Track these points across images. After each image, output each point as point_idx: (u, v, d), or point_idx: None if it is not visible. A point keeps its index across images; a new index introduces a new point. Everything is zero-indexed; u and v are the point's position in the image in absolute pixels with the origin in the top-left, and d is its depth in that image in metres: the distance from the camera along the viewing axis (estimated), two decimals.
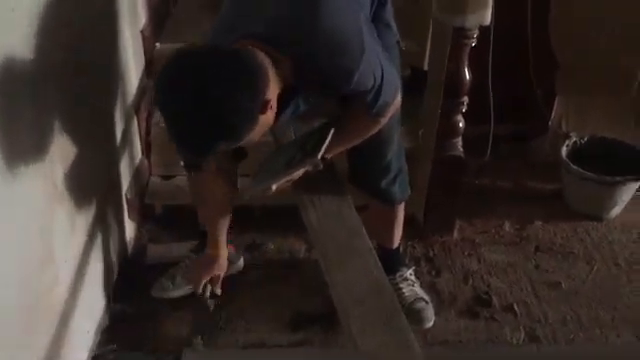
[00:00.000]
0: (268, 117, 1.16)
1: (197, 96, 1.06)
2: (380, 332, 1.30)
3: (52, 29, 1.28)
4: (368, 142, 1.46)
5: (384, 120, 1.38)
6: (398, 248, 1.80)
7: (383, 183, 1.60)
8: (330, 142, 1.38)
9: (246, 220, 1.98)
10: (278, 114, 1.23)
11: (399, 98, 1.38)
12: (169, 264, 1.84)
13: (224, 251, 1.59)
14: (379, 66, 1.27)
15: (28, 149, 1.22)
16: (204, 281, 1.57)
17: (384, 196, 1.63)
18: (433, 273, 1.90)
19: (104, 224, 1.68)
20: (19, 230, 1.18)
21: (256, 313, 1.74)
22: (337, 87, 1.25)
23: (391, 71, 1.33)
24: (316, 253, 1.95)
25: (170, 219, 2.03)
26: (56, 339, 1.34)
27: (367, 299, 1.36)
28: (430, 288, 1.82)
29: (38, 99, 1.24)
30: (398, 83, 1.36)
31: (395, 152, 1.58)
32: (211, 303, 1.63)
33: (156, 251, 1.92)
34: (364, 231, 1.53)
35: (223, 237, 1.59)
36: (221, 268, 1.59)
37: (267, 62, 1.14)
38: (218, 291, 1.59)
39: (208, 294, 1.58)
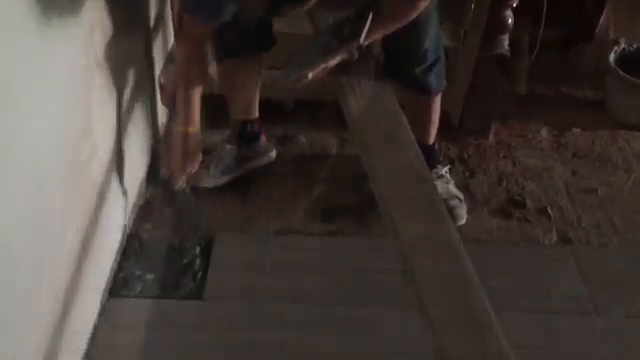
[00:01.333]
0: None
1: None
2: (421, 220, 1.30)
3: None
4: (405, 29, 1.40)
5: (423, 4, 1.32)
6: (434, 145, 1.77)
7: (418, 71, 1.55)
8: (368, 28, 1.33)
9: (278, 113, 1.95)
10: None
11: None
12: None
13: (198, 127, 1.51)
14: None
15: (69, 17, 1.17)
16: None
17: (419, 85, 1.58)
18: (467, 174, 1.88)
19: (139, 104, 1.65)
20: (60, 98, 1.15)
21: (288, 202, 1.74)
22: None
23: None
24: (349, 148, 1.94)
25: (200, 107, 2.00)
26: (94, 212, 1.35)
27: (408, 187, 1.35)
28: (463, 188, 1.80)
29: None
30: None
31: (432, 41, 1.52)
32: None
33: None
34: (405, 120, 1.50)
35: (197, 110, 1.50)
36: (197, 147, 1.49)
37: None
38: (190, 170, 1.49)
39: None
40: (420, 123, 1.68)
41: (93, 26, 1.28)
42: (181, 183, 1.54)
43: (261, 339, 1.40)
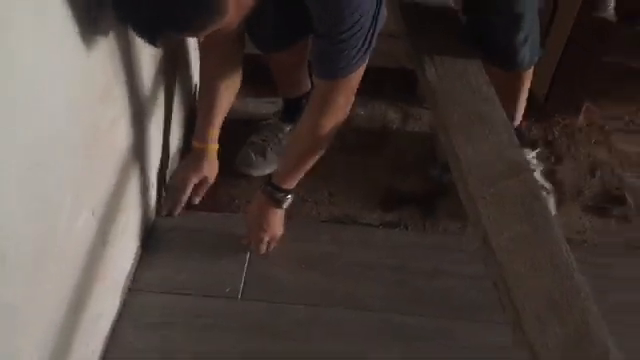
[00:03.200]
0: None
1: None
2: (515, 220, 1.04)
3: None
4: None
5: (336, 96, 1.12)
6: (521, 125, 1.50)
7: (511, 41, 1.29)
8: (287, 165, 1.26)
9: None
10: None
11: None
12: (243, 122, 1.60)
13: (214, 146, 1.37)
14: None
15: None
16: (190, 187, 1.36)
17: (510, 58, 1.32)
18: (553, 160, 1.59)
19: (171, 64, 1.41)
20: (83, 57, 0.92)
21: (341, 186, 1.49)
22: None
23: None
24: (414, 124, 1.68)
25: (244, 70, 1.75)
26: (116, 192, 1.12)
27: (501, 179, 1.09)
28: (549, 177, 1.53)
29: None
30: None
31: (528, 6, 1.25)
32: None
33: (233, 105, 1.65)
34: (496, 96, 1.23)
35: (216, 125, 1.35)
36: (211, 170, 1.37)
37: None
38: (196, 200, 1.38)
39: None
40: (507, 101, 1.39)
41: None
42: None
43: (300, 349, 1.17)
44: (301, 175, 1.25)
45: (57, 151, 0.88)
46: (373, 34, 1.07)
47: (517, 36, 1.28)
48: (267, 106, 1.66)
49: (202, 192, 1.39)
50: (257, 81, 1.64)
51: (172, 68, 1.42)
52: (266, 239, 1.30)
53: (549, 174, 1.55)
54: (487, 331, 1.19)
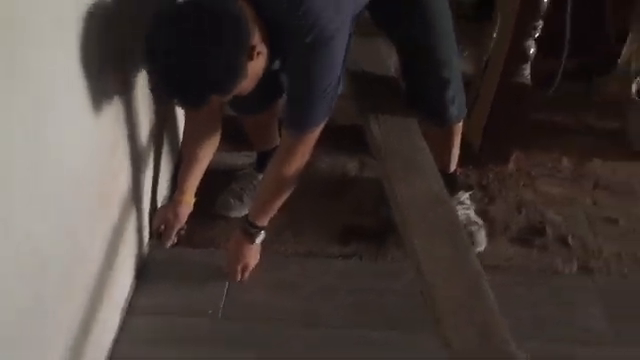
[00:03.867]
0: (258, 65, 1.20)
1: (181, 50, 1.09)
2: (441, 244, 1.30)
3: None
4: (424, 58, 1.46)
5: (308, 137, 1.37)
6: (455, 171, 1.78)
7: (441, 101, 1.56)
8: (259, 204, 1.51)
9: None
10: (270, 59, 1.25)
11: (310, 146, 1.39)
12: (221, 172, 1.86)
13: (190, 198, 1.58)
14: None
15: (105, 49, 1.22)
16: (160, 227, 1.58)
17: (441, 115, 1.59)
18: (486, 200, 1.88)
19: (162, 127, 1.68)
20: (94, 118, 1.19)
21: (307, 225, 1.75)
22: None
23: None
24: (369, 171, 1.96)
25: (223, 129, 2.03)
26: (121, 219, 1.38)
27: (429, 211, 1.36)
28: (483, 215, 1.80)
29: None
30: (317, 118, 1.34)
31: (453, 70, 1.54)
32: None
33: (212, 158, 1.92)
34: (427, 147, 1.51)
35: (193, 181, 1.59)
36: (179, 218, 1.57)
37: (246, 9, 1.16)
38: (166, 244, 1.58)
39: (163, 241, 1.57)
40: (442, 151, 1.69)
41: (124, 52, 1.33)
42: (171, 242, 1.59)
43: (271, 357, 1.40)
44: (272, 213, 1.50)
45: (77, 191, 1.13)
46: (333, 99, 1.32)
47: (445, 96, 1.55)
48: (243, 158, 1.93)
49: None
50: (233, 138, 1.93)
51: (162, 130, 1.68)
52: (240, 268, 1.53)
53: (483, 213, 1.82)
54: (424, 339, 1.43)
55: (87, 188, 1.18)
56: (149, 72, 1.19)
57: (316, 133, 1.38)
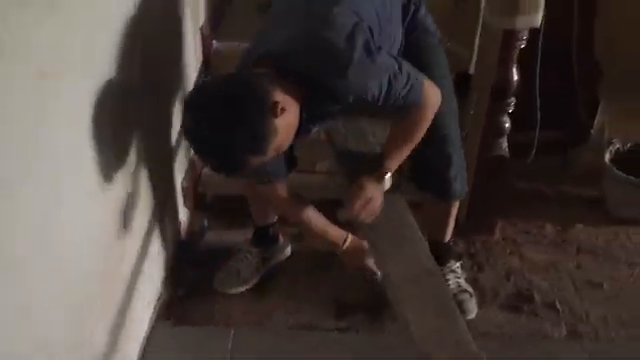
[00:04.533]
0: (287, 120, 1.24)
1: (212, 122, 1.18)
2: (431, 314, 1.37)
3: (128, 36, 1.38)
4: (427, 138, 1.50)
5: (432, 100, 1.43)
6: (449, 242, 1.85)
7: (445, 178, 1.62)
8: (390, 153, 1.51)
9: None
10: (302, 117, 1.29)
11: (437, 97, 1.43)
12: (219, 251, 1.93)
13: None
14: (387, 75, 1.31)
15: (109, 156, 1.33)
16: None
17: (445, 191, 1.65)
18: (475, 269, 1.95)
19: (164, 207, 1.77)
20: (98, 210, 1.27)
21: (302, 299, 1.81)
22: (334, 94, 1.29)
23: (413, 75, 1.37)
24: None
25: (219, 208, 2.12)
26: (123, 304, 1.43)
27: (418, 284, 1.42)
28: (472, 283, 1.86)
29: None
30: (420, 84, 1.38)
31: (456, 148, 1.61)
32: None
33: (210, 236, 2.00)
34: (414, 221, 1.60)
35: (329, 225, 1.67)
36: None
37: (271, 80, 1.23)
38: None
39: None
40: (439, 224, 1.78)
41: (129, 151, 1.43)
42: None
43: None
44: (401, 159, 1.52)
45: (85, 275, 1.20)
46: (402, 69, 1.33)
47: (449, 173, 1.61)
48: (237, 236, 2.00)
49: None
50: (230, 216, 2.03)
51: (163, 214, 1.77)
52: (365, 203, 1.49)
53: (473, 281, 1.89)
54: None
55: (92, 270, 1.25)
56: (188, 139, 1.28)
57: (431, 89, 1.41)
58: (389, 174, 1.53)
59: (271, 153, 1.24)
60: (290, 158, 1.60)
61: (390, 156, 1.52)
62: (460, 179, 1.65)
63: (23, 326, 0.98)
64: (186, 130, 1.24)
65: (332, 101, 1.32)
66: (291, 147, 1.44)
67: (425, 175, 1.63)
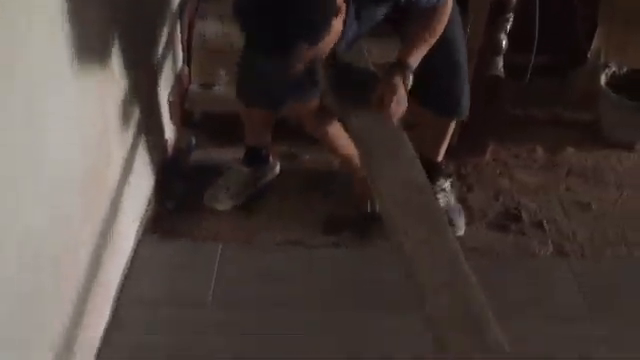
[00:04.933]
0: (338, 24, 1.22)
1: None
2: (422, 228, 1.36)
3: None
4: (437, 45, 1.48)
5: (445, 15, 1.42)
6: (441, 162, 1.84)
7: (454, 87, 1.60)
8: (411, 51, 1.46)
9: (282, 131, 2.02)
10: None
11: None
12: (208, 168, 1.91)
13: None
14: None
15: (94, 44, 1.27)
16: None
17: (455, 105, 1.64)
18: (464, 189, 1.95)
19: (149, 120, 1.72)
20: (80, 105, 1.23)
21: (291, 216, 1.80)
22: None
23: None
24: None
25: (207, 126, 2.08)
26: (108, 217, 1.41)
27: (410, 199, 1.41)
28: (461, 202, 1.86)
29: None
30: None
31: (463, 59, 1.59)
32: None
33: (198, 155, 1.97)
34: (406, 137, 1.57)
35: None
36: None
37: None
38: None
39: None
40: (434, 142, 1.76)
41: (111, 49, 1.37)
42: None
43: (265, 344, 1.44)
44: (422, 54, 1.47)
45: (69, 175, 1.17)
46: None
47: (456, 84, 1.59)
48: (226, 154, 1.98)
49: None
50: (221, 134, 1.99)
51: (148, 128, 1.72)
52: (400, 101, 1.47)
53: (462, 201, 1.89)
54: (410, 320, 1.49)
55: (74, 174, 1.22)
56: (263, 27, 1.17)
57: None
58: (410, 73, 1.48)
59: (314, 53, 1.20)
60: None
61: (411, 54, 1.47)
62: (465, 95, 1.63)
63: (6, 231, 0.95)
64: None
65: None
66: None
67: (430, 87, 1.58)
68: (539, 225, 1.82)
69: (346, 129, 1.66)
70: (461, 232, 1.75)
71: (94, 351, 1.37)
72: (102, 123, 1.35)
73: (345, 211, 1.83)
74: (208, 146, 2.02)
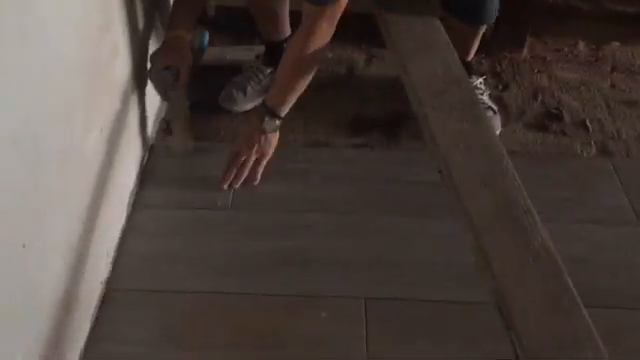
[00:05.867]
0: None
1: None
2: (458, 120, 1.24)
3: None
4: None
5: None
6: (471, 61, 1.69)
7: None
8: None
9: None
10: None
11: None
12: (223, 67, 1.78)
13: (184, 33, 1.44)
14: None
15: None
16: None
17: (480, 12, 1.50)
18: (500, 87, 1.80)
19: (155, 10, 1.58)
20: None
21: (314, 117, 1.68)
22: None
23: None
24: (377, 67, 1.87)
25: (223, 22, 1.93)
26: (118, 116, 1.30)
27: (445, 90, 1.28)
28: (497, 101, 1.73)
29: None
30: None
31: None
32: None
33: (211, 53, 1.83)
34: (441, 25, 1.42)
35: (186, 14, 1.47)
36: (182, 56, 1.43)
37: None
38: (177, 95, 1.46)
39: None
40: (465, 45, 1.60)
41: None
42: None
43: (286, 245, 1.36)
44: (291, 98, 1.40)
45: (64, 71, 1.04)
46: None
47: None
48: (243, 53, 1.84)
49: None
50: (237, 31, 1.84)
51: (155, 10, 1.57)
52: (253, 158, 1.44)
53: (497, 99, 1.75)
54: (438, 224, 1.40)
55: (74, 65, 1.10)
56: None
57: (339, 7, 1.29)
58: (278, 121, 1.43)
59: None
60: None
61: (277, 92, 1.40)
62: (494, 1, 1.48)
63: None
64: None
65: None
66: None
67: None
68: (582, 124, 1.68)
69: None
70: (497, 133, 1.62)
71: (110, 258, 1.31)
72: (106, 8, 1.22)
73: (372, 110, 1.70)
74: (224, 44, 1.87)
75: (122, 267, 1.30)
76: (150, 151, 1.55)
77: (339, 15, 1.31)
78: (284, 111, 1.42)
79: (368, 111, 1.71)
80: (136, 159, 1.46)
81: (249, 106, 1.69)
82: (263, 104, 1.44)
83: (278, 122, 1.43)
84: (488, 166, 1.14)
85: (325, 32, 1.32)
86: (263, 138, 1.44)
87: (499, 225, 1.05)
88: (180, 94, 1.47)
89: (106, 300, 1.24)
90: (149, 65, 1.45)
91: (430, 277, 1.31)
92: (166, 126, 1.62)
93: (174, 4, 1.50)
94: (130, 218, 1.39)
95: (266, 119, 1.41)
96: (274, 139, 1.46)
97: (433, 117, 1.23)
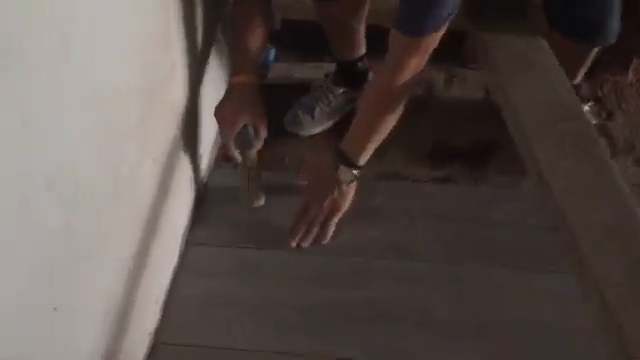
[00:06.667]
0: None
1: None
2: (574, 160, 1.03)
3: None
4: None
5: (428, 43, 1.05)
6: (579, 84, 1.48)
7: (604, 14, 1.23)
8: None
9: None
10: None
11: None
12: (289, 86, 1.62)
13: (252, 77, 1.23)
14: None
15: None
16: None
17: (599, 29, 1.26)
18: (604, 115, 1.58)
19: (218, 19, 1.43)
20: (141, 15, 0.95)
21: (390, 145, 1.49)
22: None
23: None
24: (458, 88, 1.67)
25: (290, 37, 1.78)
26: (174, 143, 1.15)
27: (556, 123, 1.08)
28: (601, 131, 1.51)
29: None
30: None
31: None
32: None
33: (277, 70, 1.68)
34: (546, 44, 1.22)
35: (251, 54, 1.24)
36: (258, 110, 1.25)
37: None
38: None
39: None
40: (572, 67, 1.36)
41: None
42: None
43: (358, 296, 1.18)
44: (371, 145, 1.18)
45: (117, 98, 0.90)
46: None
47: (606, 6, 1.22)
48: (312, 71, 1.68)
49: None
50: (300, 47, 1.68)
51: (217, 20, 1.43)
52: (325, 213, 1.23)
53: (601, 129, 1.53)
54: (535, 277, 1.19)
55: (135, 98, 0.95)
56: None
57: (434, 40, 1.06)
58: (355, 172, 1.22)
59: None
60: None
61: (355, 136, 1.19)
62: (617, 14, 1.24)
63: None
64: None
65: None
66: None
67: (572, 7, 1.23)
68: None
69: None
70: None
71: (160, 304, 1.15)
72: (165, 20, 1.07)
73: (455, 137, 1.51)
74: (294, 60, 1.72)
75: (173, 315, 1.14)
76: (205, 184, 1.40)
77: (431, 50, 1.09)
78: (364, 159, 1.19)
79: (449, 138, 1.51)
80: (190, 191, 1.31)
81: (317, 130, 1.52)
82: (338, 151, 1.21)
83: (356, 172, 1.21)
84: (617, 220, 0.93)
85: (417, 67, 1.10)
86: (337, 191, 1.23)
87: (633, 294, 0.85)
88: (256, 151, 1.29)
89: (154, 354, 1.08)
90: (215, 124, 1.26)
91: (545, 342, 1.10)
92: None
93: (235, 34, 1.28)
94: (183, 257, 1.24)
95: (342, 168, 1.21)
96: (350, 191, 1.23)
97: (542, 154, 1.03)
